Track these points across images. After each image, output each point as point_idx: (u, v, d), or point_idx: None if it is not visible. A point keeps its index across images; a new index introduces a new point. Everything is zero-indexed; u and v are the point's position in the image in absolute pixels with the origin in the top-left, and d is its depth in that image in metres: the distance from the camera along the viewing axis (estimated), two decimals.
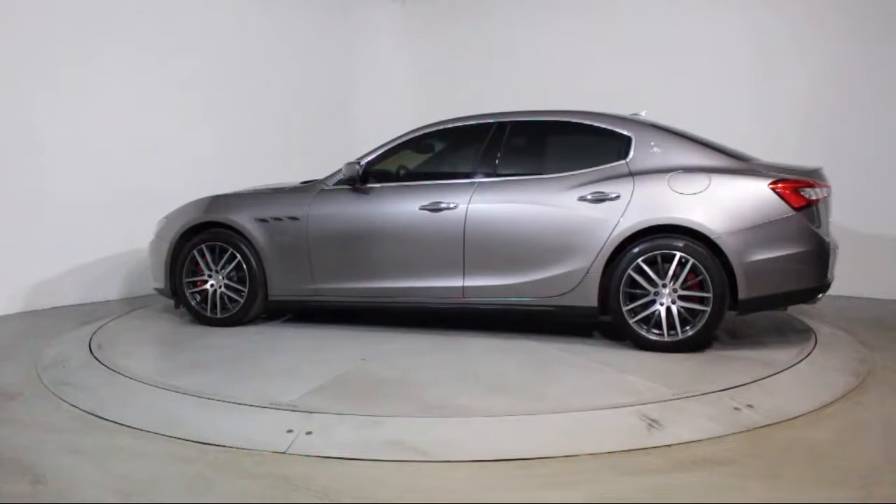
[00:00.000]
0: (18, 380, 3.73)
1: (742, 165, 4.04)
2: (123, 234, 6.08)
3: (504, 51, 7.64)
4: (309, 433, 2.83)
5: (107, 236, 6.00)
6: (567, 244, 4.13)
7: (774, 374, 3.51)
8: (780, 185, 3.86)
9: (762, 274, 3.86)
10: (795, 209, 3.83)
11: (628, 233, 4.00)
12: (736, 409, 3.07)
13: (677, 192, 3.97)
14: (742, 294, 3.86)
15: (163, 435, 2.90)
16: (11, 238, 5.43)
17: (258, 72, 7.17)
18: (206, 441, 2.83)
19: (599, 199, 4.09)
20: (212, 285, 4.86)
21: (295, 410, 3.03)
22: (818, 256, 3.89)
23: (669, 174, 4.03)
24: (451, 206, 4.37)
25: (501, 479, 2.50)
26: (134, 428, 2.99)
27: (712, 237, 3.85)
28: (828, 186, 4.02)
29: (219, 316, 4.83)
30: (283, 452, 2.71)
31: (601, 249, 4.05)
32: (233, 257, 4.77)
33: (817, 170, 4.13)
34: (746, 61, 6.25)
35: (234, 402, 3.15)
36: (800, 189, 3.87)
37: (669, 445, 2.74)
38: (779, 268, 3.86)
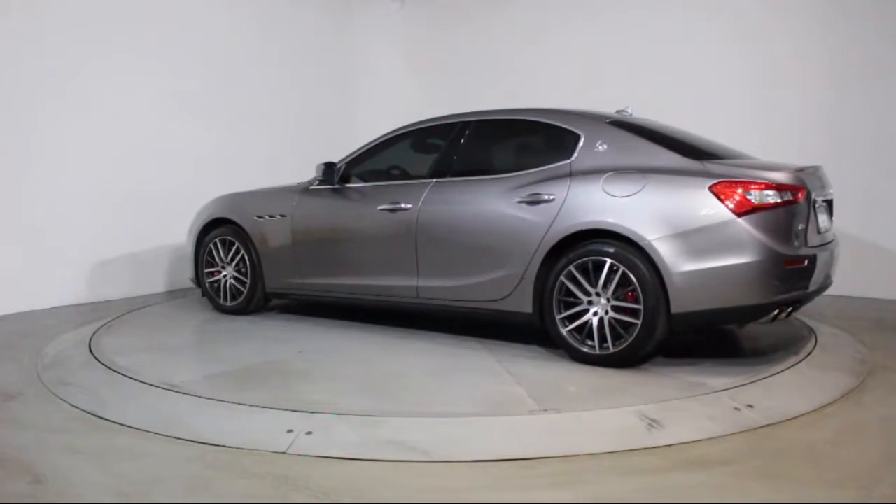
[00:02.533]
0: (18, 380, 3.73)
1: (689, 165, 3.66)
2: (129, 233, 6.14)
3: (503, 53, 7.64)
4: (309, 433, 2.83)
5: (108, 236, 6.01)
6: (504, 247, 3.99)
7: (774, 375, 3.51)
8: (720, 187, 3.47)
9: (697, 286, 3.46)
10: (737, 214, 3.41)
11: (559, 237, 3.78)
12: (736, 409, 3.07)
13: (610, 194, 3.69)
14: (675, 307, 3.49)
15: (163, 435, 2.90)
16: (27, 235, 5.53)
17: (257, 73, 7.17)
18: (206, 441, 2.82)
19: (535, 201, 3.90)
20: (224, 276, 5.26)
21: (295, 410, 3.03)
22: (764, 269, 3.40)
23: (605, 175, 3.76)
24: (406, 206, 4.39)
25: (501, 479, 2.50)
26: (134, 428, 2.99)
27: (641, 244, 3.54)
28: (798, 189, 3.54)
29: (228, 304, 5.24)
30: (283, 452, 2.71)
31: (534, 254, 3.87)
32: (238, 251, 5.14)
33: (806, 168, 3.81)
34: (745, 62, 6.25)
35: (235, 403, 3.15)
36: (745, 192, 3.45)
37: (669, 445, 2.74)
38: (717, 280, 3.43)
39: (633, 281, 3.57)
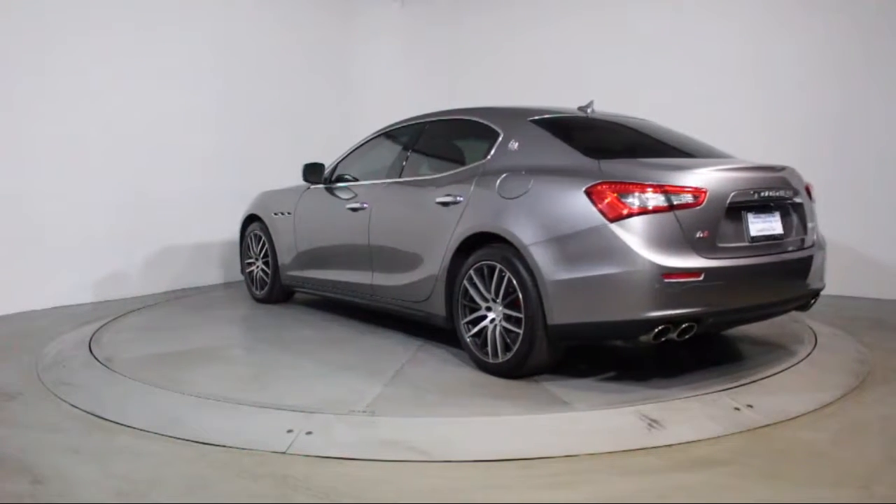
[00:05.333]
0: (18, 380, 3.73)
1: (582, 164, 3.38)
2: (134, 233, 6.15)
3: (503, 51, 7.64)
4: (309, 433, 2.83)
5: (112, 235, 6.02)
6: (425, 248, 3.97)
7: (774, 374, 3.51)
8: (595, 189, 3.18)
9: (571, 297, 3.20)
10: (609, 219, 3.12)
11: (460, 239, 3.70)
12: (736, 409, 3.06)
13: (502, 196, 3.54)
14: (550, 318, 3.25)
15: (163, 435, 2.90)
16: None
17: (256, 72, 7.17)
18: (206, 441, 2.82)
19: (448, 202, 3.82)
20: (256, 268, 5.68)
21: (294, 410, 3.03)
22: (635, 282, 3.05)
23: (501, 176, 3.61)
24: (364, 206, 4.47)
25: (501, 479, 2.50)
26: (134, 428, 2.99)
27: (521, 249, 3.35)
28: (698, 191, 3.16)
29: (258, 294, 5.69)
30: (283, 452, 2.71)
31: (444, 256, 3.80)
32: (264, 245, 5.57)
33: (767, 167, 3.56)
34: (746, 62, 6.24)
35: (235, 403, 3.16)
36: (620, 194, 3.14)
37: (669, 445, 2.74)
38: (589, 291, 3.16)
39: (515, 287, 3.39)
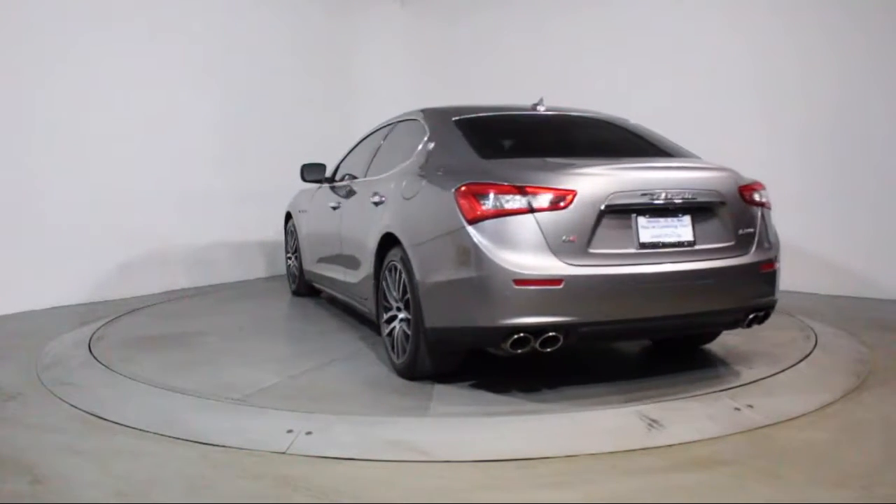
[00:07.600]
0: (18, 380, 3.73)
1: (472, 165, 3.28)
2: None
3: (502, 51, 7.65)
4: (309, 433, 2.83)
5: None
6: (364, 247, 4.00)
7: (774, 374, 3.51)
8: (461, 191, 3.05)
9: (438, 300, 3.14)
10: (468, 221, 2.99)
11: (377, 239, 3.70)
12: (736, 409, 3.06)
13: (403, 197, 3.54)
14: (426, 321, 3.19)
15: (163, 435, 2.90)
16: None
17: (256, 72, 7.18)
18: (206, 441, 2.82)
19: (377, 202, 3.85)
20: (291, 263, 6.08)
21: (295, 410, 3.03)
22: (485, 287, 2.92)
23: (406, 177, 3.60)
24: (339, 205, 4.61)
25: (501, 479, 2.50)
26: (134, 428, 2.99)
27: (407, 249, 3.34)
28: (565, 192, 2.95)
29: (293, 287, 6.11)
30: (283, 452, 2.71)
31: (370, 255, 3.83)
32: (295, 240, 5.93)
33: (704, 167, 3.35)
34: (747, 63, 6.24)
35: (235, 403, 3.16)
36: (480, 196, 2.99)
37: (669, 445, 2.74)
38: (450, 296, 3.09)
39: (408, 290, 3.35)
